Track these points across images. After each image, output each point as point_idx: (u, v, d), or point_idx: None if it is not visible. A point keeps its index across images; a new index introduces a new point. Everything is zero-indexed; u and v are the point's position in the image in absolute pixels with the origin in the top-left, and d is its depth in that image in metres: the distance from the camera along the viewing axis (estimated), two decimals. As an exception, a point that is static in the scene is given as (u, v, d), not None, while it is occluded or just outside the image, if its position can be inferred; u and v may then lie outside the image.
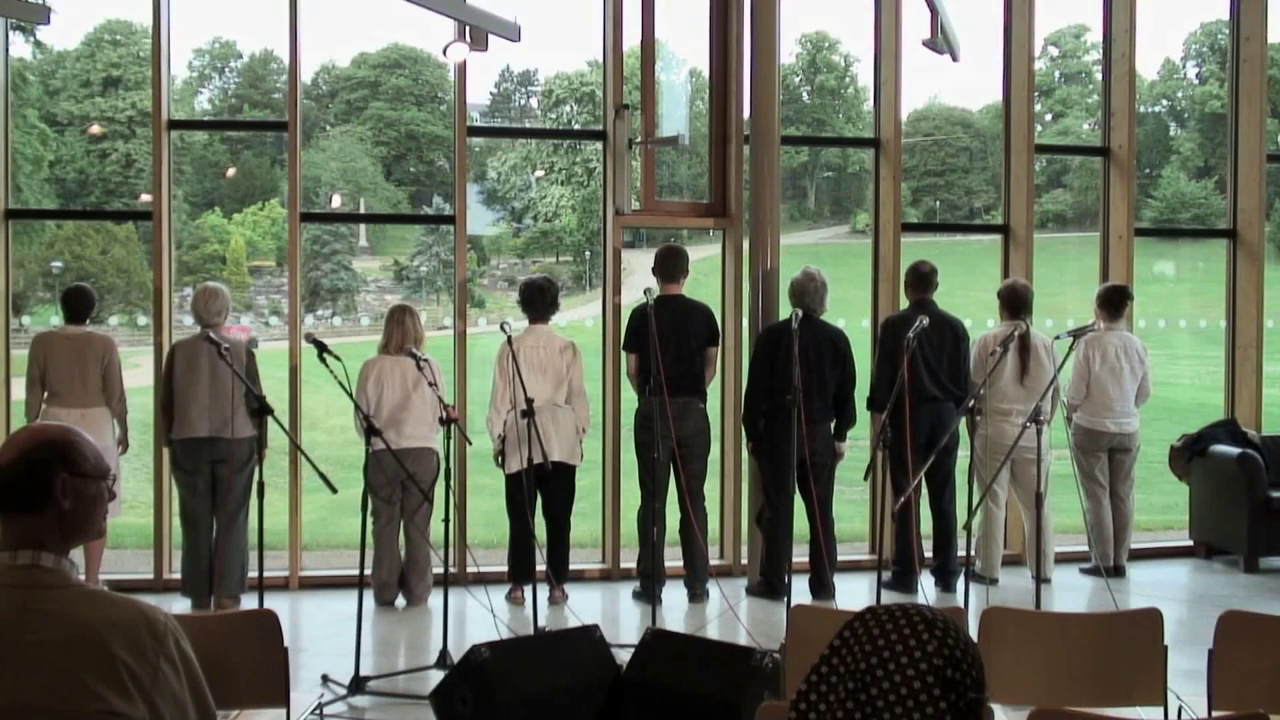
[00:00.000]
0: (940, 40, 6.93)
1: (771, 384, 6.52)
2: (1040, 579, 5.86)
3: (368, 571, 5.91)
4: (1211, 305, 10.89)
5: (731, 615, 6.33)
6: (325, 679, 5.20)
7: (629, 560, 7.18)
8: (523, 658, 4.33)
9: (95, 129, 36.90)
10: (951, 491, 6.90)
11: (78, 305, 6.59)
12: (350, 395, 5.58)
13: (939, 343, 6.71)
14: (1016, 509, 7.27)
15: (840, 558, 7.05)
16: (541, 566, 6.47)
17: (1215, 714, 3.32)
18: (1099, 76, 16.34)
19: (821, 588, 6.65)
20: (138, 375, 7.59)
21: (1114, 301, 7.30)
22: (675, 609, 6.55)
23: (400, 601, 6.59)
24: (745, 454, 7.20)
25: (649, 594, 6.37)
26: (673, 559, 6.79)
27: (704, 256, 13.93)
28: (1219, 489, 7.68)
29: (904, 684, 1.54)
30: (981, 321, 7.90)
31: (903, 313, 6.92)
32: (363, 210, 38.34)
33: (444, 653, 5.36)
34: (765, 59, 7.14)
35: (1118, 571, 7.19)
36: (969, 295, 7.16)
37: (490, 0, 6.61)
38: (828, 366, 6.58)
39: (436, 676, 4.86)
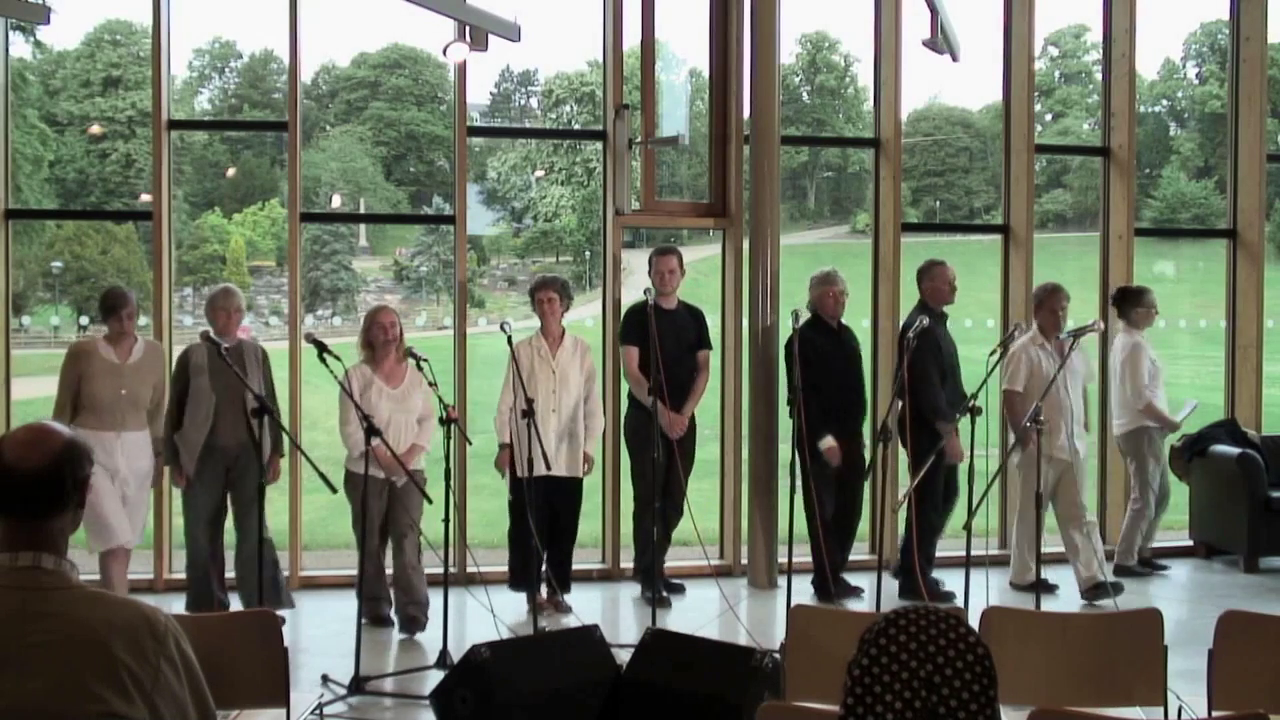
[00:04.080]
0: (940, 40, 6.93)
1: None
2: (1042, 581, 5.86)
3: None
4: (1211, 305, 10.88)
5: (731, 615, 6.33)
6: (325, 679, 5.20)
7: (629, 560, 7.20)
8: (523, 658, 4.33)
9: (95, 129, 36.89)
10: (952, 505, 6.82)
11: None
12: (350, 395, 5.58)
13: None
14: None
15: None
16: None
17: (1215, 714, 3.32)
18: (1099, 76, 16.34)
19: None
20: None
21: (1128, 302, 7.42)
22: (675, 609, 6.55)
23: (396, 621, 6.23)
24: (745, 454, 7.20)
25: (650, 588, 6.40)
26: (673, 559, 6.80)
27: (704, 256, 13.93)
28: (1219, 489, 7.68)
29: (964, 688, 1.56)
30: (981, 321, 7.90)
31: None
32: (363, 210, 38.34)
33: (444, 653, 5.36)
34: (765, 59, 7.14)
35: (1154, 565, 7.40)
36: (969, 295, 7.15)
37: (490, 0, 6.61)
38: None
39: (436, 676, 4.86)
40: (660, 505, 6.52)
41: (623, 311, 6.90)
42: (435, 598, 5.65)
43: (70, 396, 5.86)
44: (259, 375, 6.04)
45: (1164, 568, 7.44)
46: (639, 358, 6.57)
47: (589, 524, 8.04)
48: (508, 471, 6.37)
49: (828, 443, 6.48)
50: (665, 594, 6.64)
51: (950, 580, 6.74)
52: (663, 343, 6.19)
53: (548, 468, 5.97)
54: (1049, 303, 6.69)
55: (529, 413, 5.67)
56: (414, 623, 6.00)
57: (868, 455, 6.72)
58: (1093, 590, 6.52)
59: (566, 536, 6.53)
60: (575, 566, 6.82)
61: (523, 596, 6.32)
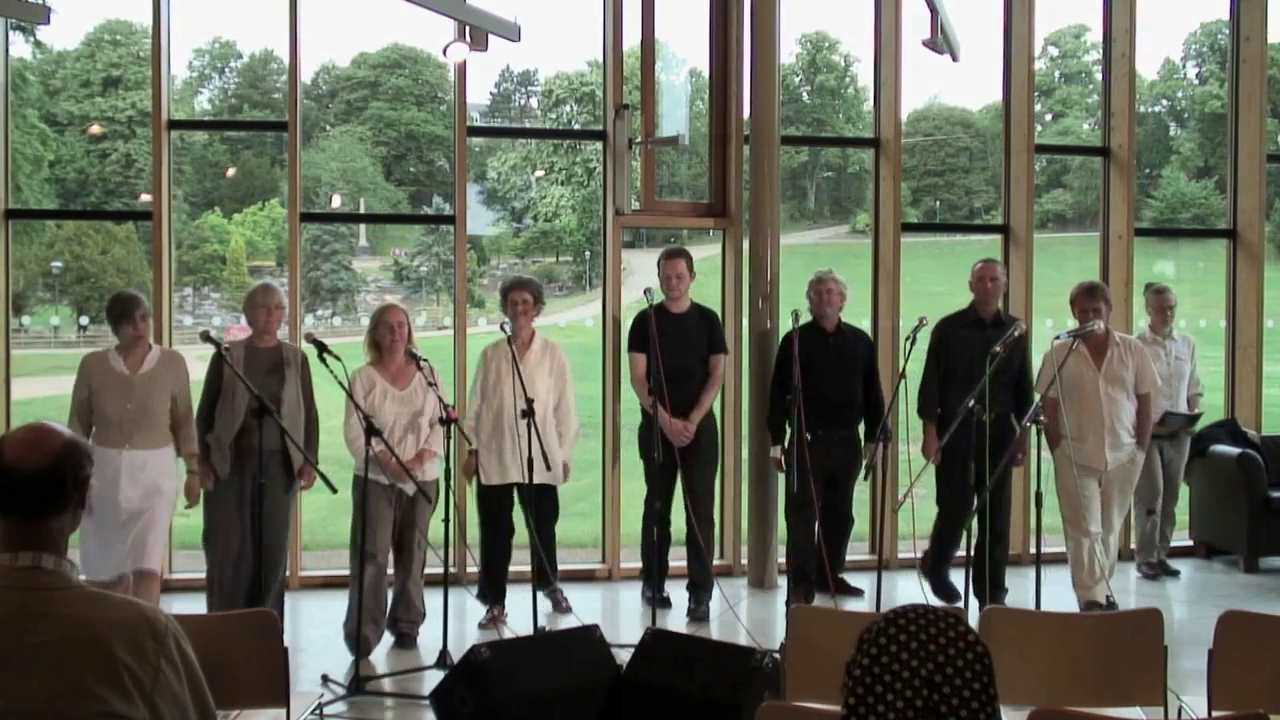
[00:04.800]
0: (940, 40, 6.93)
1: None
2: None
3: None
4: (1211, 305, 10.86)
5: (731, 615, 6.33)
6: (325, 679, 5.19)
7: (629, 560, 7.19)
8: (523, 658, 4.33)
9: (95, 129, 36.89)
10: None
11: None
12: (352, 398, 5.56)
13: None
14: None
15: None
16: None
17: (1215, 714, 3.32)
18: (1099, 76, 16.34)
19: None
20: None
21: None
22: (675, 609, 6.55)
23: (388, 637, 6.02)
24: (745, 454, 7.20)
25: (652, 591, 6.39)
26: (673, 559, 6.79)
27: (704, 256, 13.88)
28: (1219, 489, 7.69)
29: (965, 687, 1.56)
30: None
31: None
32: (363, 210, 38.35)
33: (444, 653, 5.35)
34: (765, 59, 7.15)
35: (1164, 568, 7.41)
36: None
37: (490, 0, 6.62)
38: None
39: (436, 676, 4.86)
40: (689, 515, 6.50)
41: (623, 313, 6.90)
42: (435, 598, 5.64)
43: (79, 410, 5.61)
44: (297, 379, 5.81)
45: (1174, 572, 7.40)
46: (645, 364, 6.52)
47: (590, 524, 8.06)
48: (474, 479, 6.32)
49: (773, 453, 6.62)
50: (696, 605, 6.49)
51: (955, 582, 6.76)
52: (668, 346, 6.13)
53: (548, 468, 5.88)
54: (1078, 304, 6.40)
55: (529, 412, 5.61)
56: (405, 638, 5.83)
57: (865, 458, 6.71)
58: (1085, 606, 6.46)
59: (547, 523, 6.39)
60: (576, 566, 6.82)
61: (524, 597, 6.25)
